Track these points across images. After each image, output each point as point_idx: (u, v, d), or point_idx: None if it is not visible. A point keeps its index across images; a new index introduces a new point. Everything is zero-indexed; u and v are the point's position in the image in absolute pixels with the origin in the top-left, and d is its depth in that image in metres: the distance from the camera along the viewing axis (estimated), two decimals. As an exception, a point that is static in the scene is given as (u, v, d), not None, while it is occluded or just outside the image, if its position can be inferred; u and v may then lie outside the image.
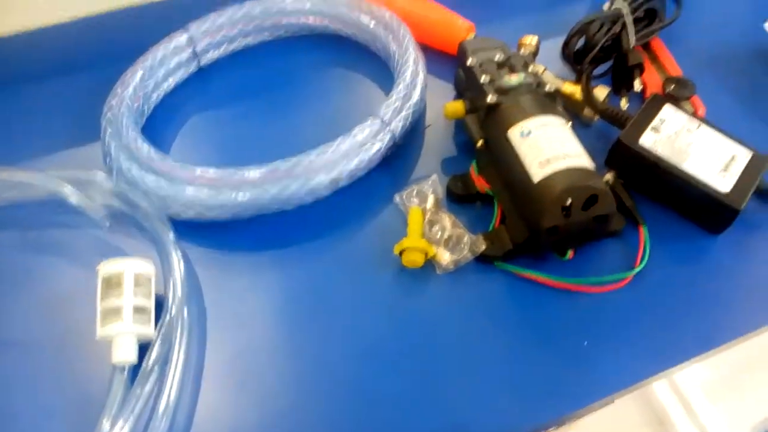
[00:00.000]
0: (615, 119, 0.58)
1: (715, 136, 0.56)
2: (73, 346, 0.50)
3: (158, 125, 0.63)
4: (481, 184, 0.56)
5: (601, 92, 0.61)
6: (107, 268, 0.48)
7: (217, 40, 0.67)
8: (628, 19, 0.63)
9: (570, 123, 0.54)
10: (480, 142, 0.56)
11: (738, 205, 0.52)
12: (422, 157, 0.61)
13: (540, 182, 0.49)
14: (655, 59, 0.67)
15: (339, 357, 0.50)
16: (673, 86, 0.61)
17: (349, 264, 0.54)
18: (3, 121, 0.63)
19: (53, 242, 0.55)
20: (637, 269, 0.53)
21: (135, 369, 0.47)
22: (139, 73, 0.61)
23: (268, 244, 0.55)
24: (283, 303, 0.53)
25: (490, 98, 0.55)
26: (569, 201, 0.49)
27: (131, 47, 0.64)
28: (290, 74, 0.68)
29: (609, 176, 0.56)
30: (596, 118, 0.61)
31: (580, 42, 0.63)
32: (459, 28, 0.67)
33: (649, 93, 0.63)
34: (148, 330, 0.48)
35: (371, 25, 0.66)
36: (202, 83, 0.67)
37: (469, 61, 0.58)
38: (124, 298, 0.47)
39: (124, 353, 0.47)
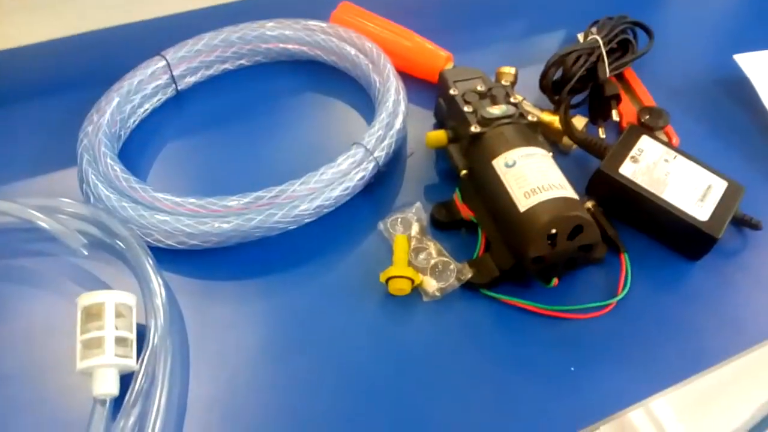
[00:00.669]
0: (594, 149, 0.59)
1: (691, 166, 0.57)
2: (51, 378, 0.48)
3: (135, 150, 0.62)
4: (465, 212, 0.56)
5: (579, 122, 0.63)
6: (87, 299, 0.47)
7: (195, 65, 0.66)
8: (603, 51, 0.65)
9: (551, 153, 0.55)
10: (464, 171, 0.56)
11: (716, 233, 0.53)
12: (404, 185, 0.61)
13: (526, 212, 0.50)
14: (628, 89, 0.69)
15: (325, 387, 0.49)
16: (648, 116, 0.62)
17: (334, 292, 0.54)
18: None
19: (28, 271, 0.54)
20: (620, 296, 0.53)
21: (116, 401, 0.46)
22: (116, 100, 0.60)
23: (251, 272, 0.54)
24: (268, 332, 0.52)
25: (474, 128, 0.55)
26: (554, 230, 0.49)
27: (105, 70, 0.63)
28: (268, 99, 0.67)
29: (589, 204, 0.57)
30: (574, 147, 0.62)
31: (558, 73, 0.64)
32: (438, 57, 0.68)
33: (624, 122, 0.65)
34: (130, 362, 0.47)
35: (352, 54, 0.66)
36: (180, 108, 0.66)
37: (452, 91, 0.59)
38: (105, 330, 0.46)
39: (106, 386, 0.45)
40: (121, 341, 0.46)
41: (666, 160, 0.57)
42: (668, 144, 0.59)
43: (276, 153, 0.63)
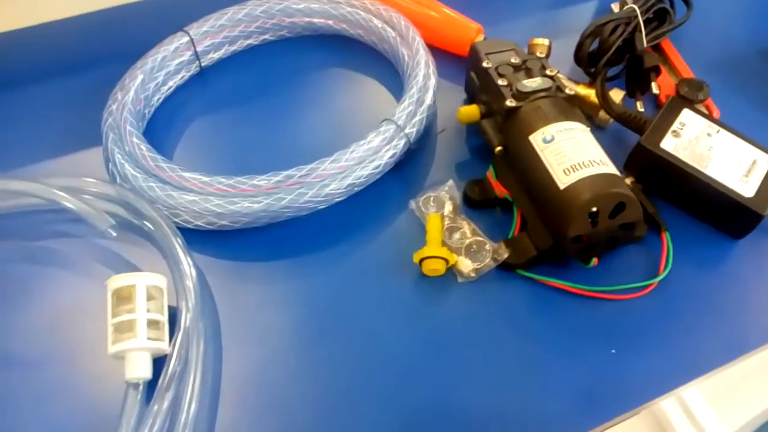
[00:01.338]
0: (633, 123, 0.57)
1: (735, 141, 0.55)
2: (84, 362, 0.48)
3: (160, 129, 0.60)
4: (499, 190, 0.54)
5: (616, 95, 0.60)
6: (118, 281, 0.46)
7: (218, 41, 0.65)
8: (641, 21, 0.62)
9: (589, 128, 0.53)
10: (499, 148, 0.54)
11: (762, 210, 0.51)
12: (435, 162, 0.60)
13: (566, 189, 0.48)
14: (665, 61, 0.67)
15: (359, 368, 0.48)
16: (687, 89, 0.60)
17: (366, 272, 0.53)
18: (-1, 126, 0.60)
19: (55, 253, 0.53)
20: (661, 276, 0.52)
21: (149, 384, 0.45)
22: (140, 77, 0.59)
23: (282, 252, 0.53)
24: (300, 313, 0.51)
25: (509, 102, 0.53)
26: (596, 208, 0.47)
27: (128, 47, 0.62)
28: (294, 76, 0.66)
29: (628, 181, 0.55)
30: (611, 121, 0.60)
31: (594, 44, 0.62)
32: (468, 29, 0.65)
33: (663, 95, 0.62)
34: (163, 344, 0.46)
35: (379, 27, 0.64)
36: (204, 85, 0.65)
37: (484, 64, 0.57)
38: (137, 312, 0.45)
39: (139, 369, 0.45)
40: (153, 324, 0.45)
41: (709, 135, 0.55)
42: (710, 117, 0.57)
43: (303, 130, 0.62)
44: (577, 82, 0.62)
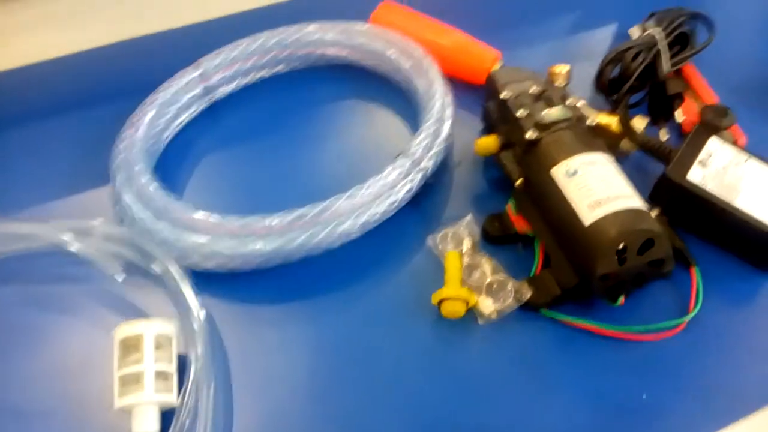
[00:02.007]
0: (657, 152, 0.55)
1: (764, 170, 0.53)
2: (89, 415, 0.46)
3: (170, 165, 0.59)
4: (520, 225, 0.52)
5: (639, 123, 0.58)
6: (124, 331, 0.44)
7: (231, 73, 0.63)
8: (663, 46, 0.60)
9: (613, 159, 0.51)
10: (519, 181, 0.52)
11: (797, 243, 0.49)
12: (452, 196, 0.58)
13: (591, 225, 0.46)
14: (688, 87, 0.64)
15: (376, 416, 0.46)
16: (711, 115, 0.58)
17: (382, 314, 0.51)
18: (4, 165, 0.59)
19: (61, 298, 0.51)
20: (692, 314, 0.49)
21: (158, 437, 0.43)
22: (150, 113, 0.57)
23: (295, 294, 0.52)
24: (314, 358, 0.49)
25: (530, 134, 0.51)
26: (623, 245, 0.45)
27: (138, 81, 0.61)
28: (306, 108, 0.64)
29: (653, 213, 0.53)
30: (634, 150, 0.58)
31: (615, 70, 0.60)
32: (485, 57, 0.64)
33: (688, 123, 0.60)
34: (171, 397, 0.44)
35: (394, 57, 0.63)
36: (216, 119, 0.63)
37: (503, 94, 0.55)
38: (144, 364, 0.43)
39: (146, 424, 0.43)
40: (161, 375, 0.44)
41: (737, 164, 0.53)
42: (738, 146, 0.54)
43: (316, 164, 0.60)
44: (598, 110, 0.60)
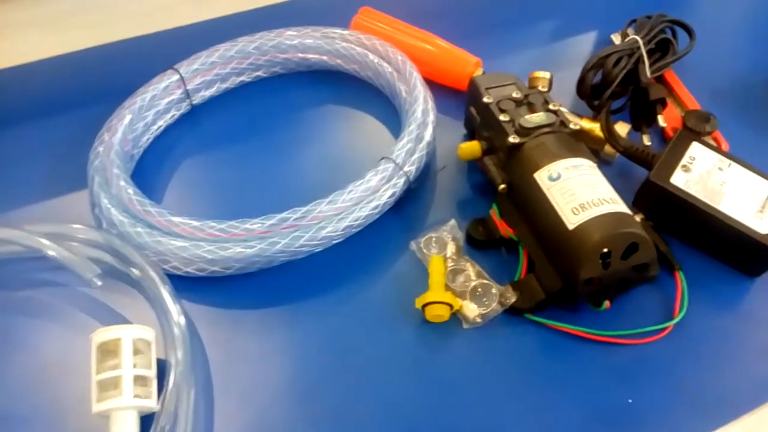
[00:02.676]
0: (640, 157, 0.55)
1: (747, 175, 0.53)
2: (67, 421, 0.44)
3: (149, 170, 0.58)
4: (504, 229, 0.52)
5: (622, 129, 0.59)
6: (102, 335, 0.43)
7: (210, 78, 0.63)
8: (644, 51, 0.61)
9: (597, 164, 0.51)
10: (502, 186, 0.52)
11: (779, 247, 0.49)
12: (436, 201, 0.57)
13: (575, 229, 0.46)
14: (670, 92, 0.65)
15: (360, 421, 0.45)
16: (694, 120, 0.58)
17: (366, 319, 0.50)
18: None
19: (38, 303, 0.50)
20: (677, 318, 0.49)
21: (136, 445, 0.42)
22: (128, 117, 0.56)
23: (277, 299, 0.51)
24: (296, 363, 0.48)
25: (512, 139, 0.51)
26: (607, 249, 0.45)
27: (115, 86, 0.60)
28: (288, 113, 0.64)
29: (638, 218, 0.53)
30: (617, 155, 0.58)
31: (597, 76, 0.60)
32: (467, 63, 0.64)
33: (670, 128, 0.60)
34: (150, 402, 0.43)
35: (375, 62, 0.62)
36: (195, 124, 0.62)
37: (485, 99, 0.55)
38: (122, 369, 0.42)
39: (125, 430, 0.41)
40: (140, 380, 0.43)
41: (720, 169, 0.53)
42: (720, 150, 0.55)
43: (298, 169, 0.59)
44: (580, 116, 0.60)
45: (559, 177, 0.48)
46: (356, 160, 0.59)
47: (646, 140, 0.59)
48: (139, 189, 0.52)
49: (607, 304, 0.48)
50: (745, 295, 0.52)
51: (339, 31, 0.65)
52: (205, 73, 0.62)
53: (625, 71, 0.59)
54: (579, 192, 0.47)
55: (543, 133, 0.51)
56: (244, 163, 0.59)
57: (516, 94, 0.55)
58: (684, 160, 0.53)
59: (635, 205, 0.54)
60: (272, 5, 0.74)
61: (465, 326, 0.49)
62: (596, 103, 0.60)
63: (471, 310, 0.49)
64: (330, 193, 0.51)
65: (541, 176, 0.49)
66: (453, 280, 0.51)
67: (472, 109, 0.58)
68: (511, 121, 0.53)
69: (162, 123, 0.60)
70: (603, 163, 0.59)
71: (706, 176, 0.52)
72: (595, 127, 0.59)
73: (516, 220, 0.52)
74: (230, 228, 0.49)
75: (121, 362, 0.42)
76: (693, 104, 0.64)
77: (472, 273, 0.51)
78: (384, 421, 0.45)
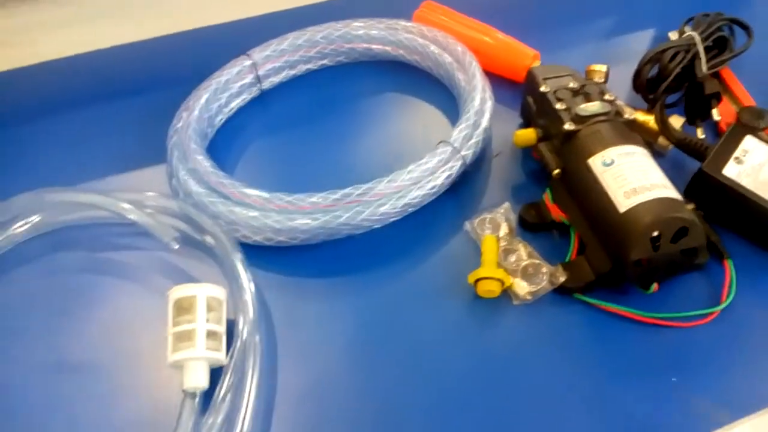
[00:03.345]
0: (693, 149, 0.56)
1: (800, 168, 0.54)
2: (142, 370, 0.49)
3: (221, 148, 0.62)
4: (556, 213, 0.54)
5: (676, 122, 0.60)
6: (179, 292, 0.47)
7: (279, 65, 0.67)
8: (701, 48, 0.62)
9: (650, 153, 0.52)
10: (556, 171, 0.54)
11: (830, 239, 0.50)
12: (490, 185, 0.60)
13: (627, 212, 0.48)
14: (725, 89, 0.66)
15: (410, 387, 0.48)
16: (748, 116, 0.59)
17: (420, 292, 0.53)
18: (67, 143, 0.63)
19: (119, 265, 0.54)
20: (724, 304, 0.50)
21: (205, 395, 0.45)
22: (204, 97, 0.60)
23: (337, 270, 0.54)
24: (354, 330, 0.51)
25: (568, 126, 0.53)
26: (657, 233, 0.47)
27: (193, 70, 0.64)
28: (351, 100, 0.67)
29: (689, 208, 0.54)
30: (670, 147, 0.59)
31: (653, 70, 0.62)
32: (524, 55, 0.66)
33: (724, 123, 0.61)
34: (220, 355, 0.46)
35: (436, 53, 0.65)
36: (264, 107, 0.66)
37: (542, 88, 0.57)
38: (196, 323, 0.46)
39: (196, 379, 0.45)
40: (211, 335, 0.46)
41: (773, 162, 0.54)
42: (772, 144, 0.55)
43: (359, 153, 0.63)
44: (635, 108, 0.62)
45: (612, 162, 0.50)
46: (415, 145, 0.62)
47: (700, 133, 0.60)
48: (217, 166, 0.56)
49: (655, 286, 0.50)
50: (793, 286, 0.53)
51: (402, 23, 0.68)
52: (275, 60, 0.66)
53: (680, 66, 0.60)
54: (631, 177, 0.49)
55: (598, 122, 0.53)
56: (308, 145, 0.63)
57: (573, 84, 0.57)
58: (737, 153, 0.54)
59: (687, 195, 0.55)
60: (340, -1, 0.78)
61: (515, 303, 0.51)
62: (651, 96, 0.61)
63: (521, 287, 0.51)
64: (390, 173, 0.54)
65: (595, 161, 0.51)
66: (505, 259, 0.53)
67: (529, 99, 0.60)
68: (568, 109, 0.55)
69: (234, 105, 0.64)
70: (656, 155, 0.60)
71: (759, 168, 0.53)
72: (649, 120, 0.60)
73: (568, 204, 0.54)
74: (297, 201, 0.52)
75: (196, 317, 0.46)
76: (748, 100, 0.64)
77: (523, 253, 0.53)
78: (432, 387, 0.48)
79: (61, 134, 0.64)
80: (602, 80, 0.59)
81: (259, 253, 0.53)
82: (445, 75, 0.65)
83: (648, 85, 0.61)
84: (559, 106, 0.55)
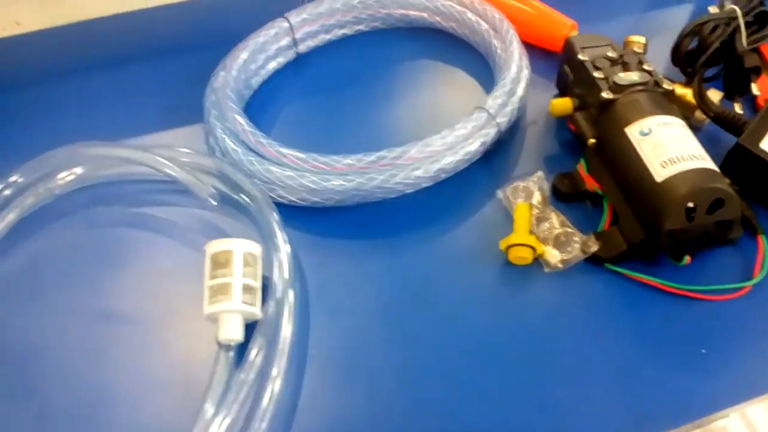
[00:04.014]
0: (731, 124, 0.56)
1: (840, 145, 0.53)
2: (178, 322, 0.50)
3: (257, 110, 0.62)
4: (590, 183, 0.54)
5: (714, 96, 0.59)
6: (216, 246, 0.48)
7: (315, 29, 0.67)
8: (742, 22, 0.61)
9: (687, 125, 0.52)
10: (592, 140, 0.54)
11: None
12: (523, 154, 0.60)
13: (663, 182, 0.47)
14: (765, 65, 0.65)
15: (440, 349, 0.49)
16: (788, 93, 0.58)
17: (452, 257, 0.53)
18: (109, 100, 0.64)
19: (156, 221, 0.55)
20: (757, 279, 0.50)
21: (239, 348, 0.46)
22: (242, 57, 0.61)
23: (370, 232, 0.54)
24: (386, 292, 0.51)
25: (606, 94, 0.53)
26: (693, 203, 0.47)
27: (231, 31, 0.64)
28: (386, 65, 0.67)
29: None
30: (707, 122, 0.59)
31: (692, 43, 0.61)
32: (562, 24, 0.65)
33: (763, 98, 0.61)
34: (255, 310, 0.47)
35: (473, 20, 0.65)
36: (300, 71, 0.67)
37: (580, 56, 0.57)
38: (233, 277, 0.47)
39: (232, 331, 0.46)
40: (247, 289, 0.47)
41: (812, 138, 0.53)
42: (812, 121, 0.55)
43: (393, 117, 0.63)
44: (673, 81, 0.61)
45: (650, 132, 0.50)
46: (449, 111, 0.62)
47: (738, 108, 0.60)
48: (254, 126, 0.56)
49: (687, 259, 0.50)
50: (828, 264, 0.52)
51: (440, -11, 0.67)
52: (311, 23, 0.66)
53: (721, 39, 0.59)
54: (669, 147, 0.49)
55: (636, 91, 0.53)
56: (344, 108, 0.63)
57: (611, 54, 0.56)
58: (775, 127, 0.54)
59: (722, 169, 0.54)
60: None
61: (546, 270, 0.52)
62: (690, 69, 0.61)
63: (553, 255, 0.51)
64: (424, 138, 0.55)
65: (632, 130, 0.51)
66: (537, 227, 0.53)
67: (566, 68, 0.60)
68: (605, 78, 0.54)
69: (270, 67, 0.65)
70: (693, 129, 0.60)
71: (798, 144, 0.53)
72: (686, 93, 0.59)
73: (602, 174, 0.53)
74: (333, 162, 0.53)
75: (232, 271, 0.47)
76: (789, 78, 0.63)
77: (556, 222, 0.53)
78: (462, 349, 0.48)
79: (102, 91, 0.65)
80: (641, 51, 0.59)
81: (293, 213, 0.54)
82: (481, 42, 0.65)
83: (687, 58, 0.61)
84: (597, 74, 0.55)
